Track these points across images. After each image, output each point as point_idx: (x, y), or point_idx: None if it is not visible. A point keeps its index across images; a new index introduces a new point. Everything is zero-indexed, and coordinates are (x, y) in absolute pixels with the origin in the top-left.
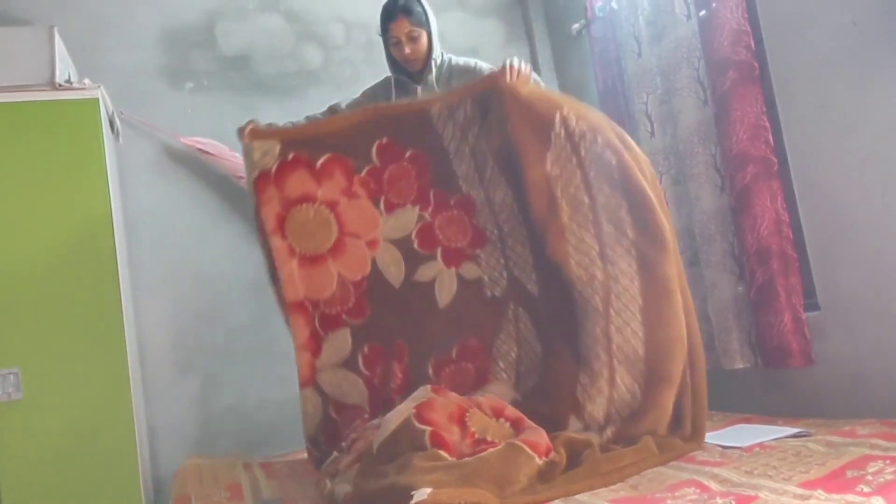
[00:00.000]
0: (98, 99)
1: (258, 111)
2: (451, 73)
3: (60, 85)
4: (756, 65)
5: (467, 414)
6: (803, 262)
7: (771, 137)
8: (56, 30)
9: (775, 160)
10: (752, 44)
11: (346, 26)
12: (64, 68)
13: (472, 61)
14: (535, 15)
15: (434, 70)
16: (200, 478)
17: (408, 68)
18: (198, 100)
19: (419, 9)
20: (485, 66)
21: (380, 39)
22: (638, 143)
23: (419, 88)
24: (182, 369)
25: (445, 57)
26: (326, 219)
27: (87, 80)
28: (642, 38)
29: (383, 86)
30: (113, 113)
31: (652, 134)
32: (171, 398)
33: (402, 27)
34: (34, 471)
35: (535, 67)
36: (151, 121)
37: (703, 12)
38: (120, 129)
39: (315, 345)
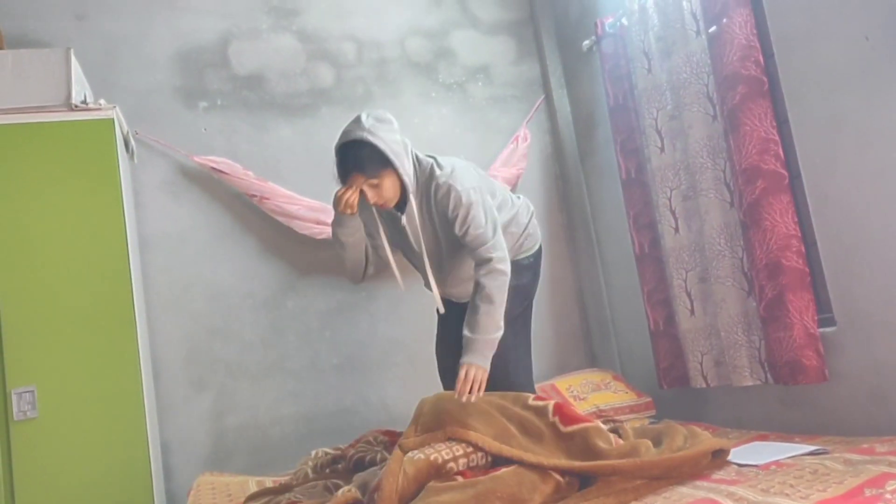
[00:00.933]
0: (113, 119)
1: (271, 129)
2: (436, 195)
3: (76, 106)
4: (765, 80)
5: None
6: (818, 277)
7: (781, 151)
8: (72, 52)
9: (786, 174)
10: (762, 59)
11: (358, 45)
12: (80, 89)
13: (455, 190)
14: (545, 32)
15: (415, 202)
16: (214, 494)
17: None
18: (212, 119)
19: (375, 154)
20: (462, 188)
21: (393, 56)
22: (648, 159)
23: (402, 218)
24: (195, 386)
25: (425, 166)
26: None
27: (102, 101)
28: (652, 54)
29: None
30: (128, 133)
31: (662, 149)
32: (184, 414)
33: (359, 182)
34: (49, 488)
35: (546, 84)
36: (166, 140)
37: (712, 28)
38: (135, 148)
39: None
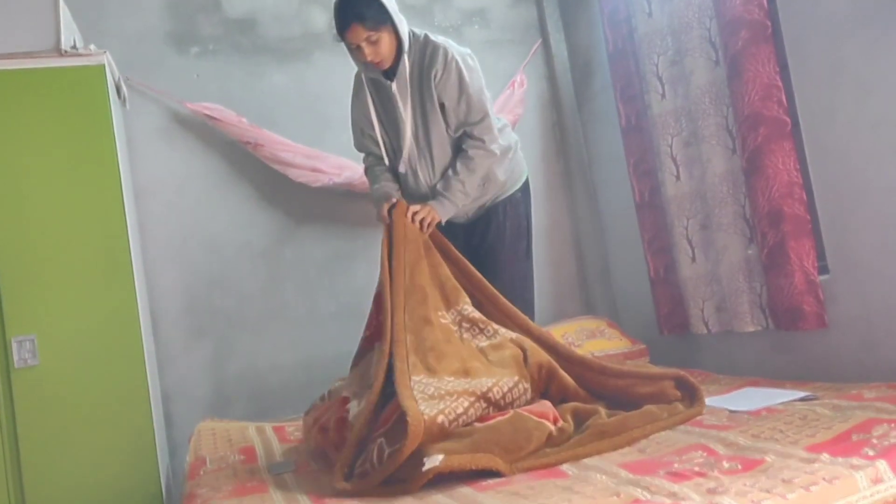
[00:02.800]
0: (104, 65)
1: (264, 75)
2: (426, 56)
3: (66, 51)
4: (769, 24)
5: None
6: (814, 225)
7: (784, 98)
8: None
9: (788, 121)
10: (765, 2)
11: None
12: (69, 34)
13: (445, 48)
14: None
15: (408, 62)
16: (214, 441)
17: (377, 69)
18: (204, 64)
19: (374, 9)
20: (456, 51)
21: None
22: (648, 106)
23: (393, 85)
24: (195, 335)
25: (419, 35)
26: None
27: (92, 46)
28: None
29: (359, 92)
30: (119, 79)
31: (663, 96)
32: (184, 363)
33: (358, 35)
34: (51, 435)
35: (543, 29)
36: (158, 86)
37: None
38: (127, 95)
39: None
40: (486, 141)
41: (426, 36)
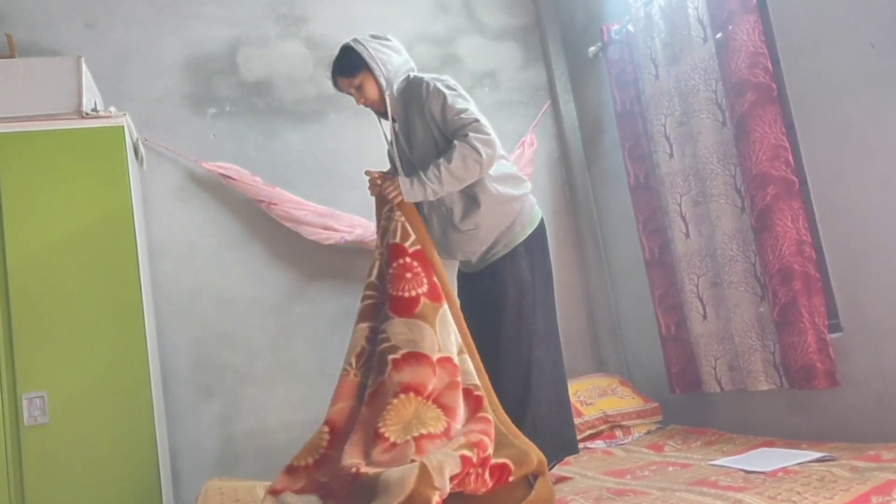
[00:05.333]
0: (123, 126)
1: (279, 135)
2: (412, 92)
3: (87, 113)
4: (774, 86)
5: None
6: (825, 283)
7: (791, 158)
8: (83, 60)
9: (796, 180)
10: (770, 65)
11: None
12: (90, 97)
13: (424, 79)
14: (551, 38)
15: (388, 101)
16: (222, 500)
17: (378, 111)
18: (220, 125)
19: (351, 58)
20: (434, 78)
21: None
22: (657, 165)
23: (396, 125)
24: (204, 392)
25: (410, 77)
26: None
27: (112, 109)
28: (659, 61)
29: (385, 136)
30: (137, 140)
31: (671, 155)
32: (192, 420)
33: (343, 84)
34: (59, 493)
35: (552, 90)
36: (175, 147)
37: (719, 35)
38: (144, 155)
39: None
40: (468, 135)
41: (414, 76)
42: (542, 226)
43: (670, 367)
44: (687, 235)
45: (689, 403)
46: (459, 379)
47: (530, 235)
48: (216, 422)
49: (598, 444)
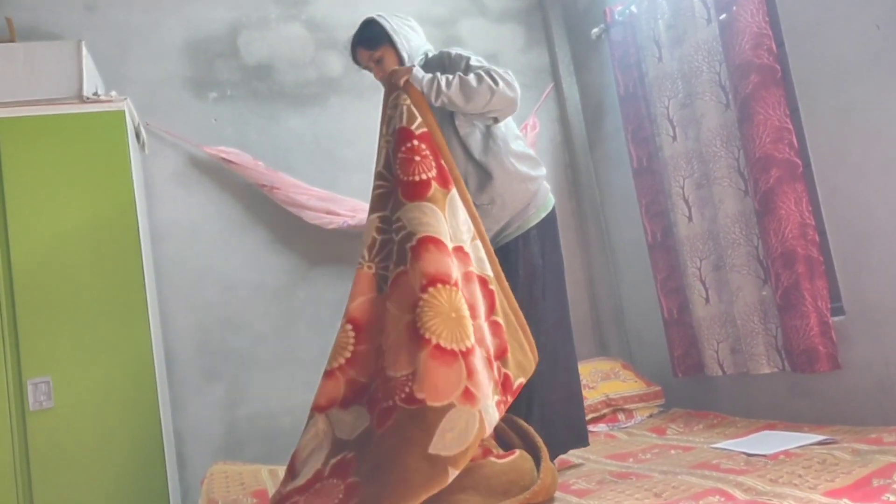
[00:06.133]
0: (124, 111)
1: (280, 119)
2: (436, 64)
3: (88, 98)
4: (778, 68)
5: None
6: (828, 267)
7: (795, 140)
8: (83, 44)
9: (800, 163)
10: (774, 47)
11: None
12: (91, 81)
13: (447, 50)
14: (554, 20)
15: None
16: (227, 483)
17: None
18: (222, 109)
19: (374, 31)
20: (454, 51)
21: None
22: (660, 148)
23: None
24: (207, 376)
25: (425, 54)
26: None
27: (113, 93)
28: (662, 42)
29: None
30: (139, 124)
31: (674, 138)
32: (197, 404)
33: (363, 56)
34: (65, 477)
35: (555, 73)
36: (176, 131)
37: (723, 16)
38: (146, 139)
39: None
40: (491, 70)
41: (433, 54)
42: (554, 213)
43: (673, 351)
44: (690, 218)
45: (691, 387)
46: (472, 269)
47: (543, 220)
48: (220, 406)
49: (601, 427)
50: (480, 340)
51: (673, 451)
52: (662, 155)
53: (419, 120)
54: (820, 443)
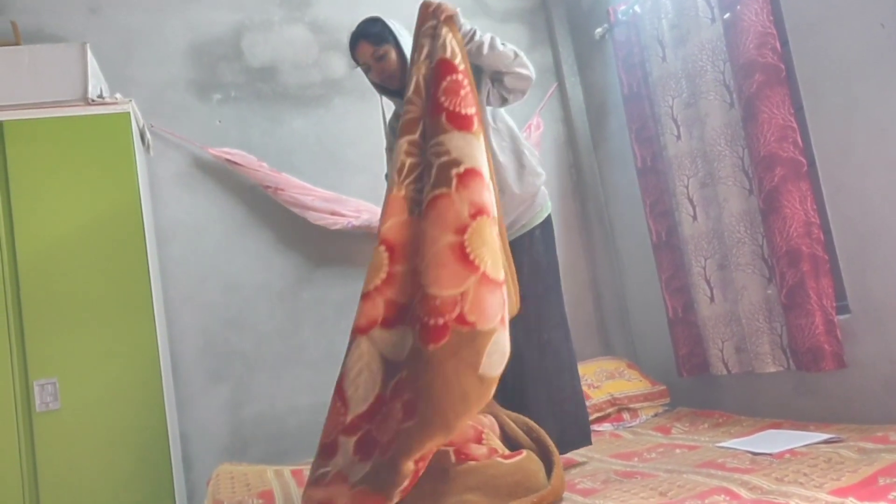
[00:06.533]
0: (129, 113)
1: (284, 120)
2: None
3: (93, 100)
4: (783, 66)
5: (483, 434)
6: (833, 265)
7: (799, 139)
8: (88, 46)
9: (804, 161)
10: (778, 46)
11: None
12: (96, 83)
13: None
14: (557, 20)
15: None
16: (233, 484)
17: (389, 87)
18: (226, 111)
19: (377, 28)
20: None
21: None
22: (664, 147)
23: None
24: (213, 377)
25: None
26: None
27: (118, 95)
28: (666, 42)
29: (383, 115)
30: (144, 126)
31: (679, 137)
32: (202, 405)
33: (365, 51)
34: (71, 478)
35: (559, 73)
36: (181, 133)
37: (727, 15)
38: (150, 141)
39: None
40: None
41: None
42: (551, 217)
43: (678, 350)
44: (694, 218)
45: (696, 386)
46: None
47: (545, 220)
48: (226, 407)
49: (606, 426)
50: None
51: (678, 450)
52: (667, 154)
53: (460, 57)
54: (826, 441)
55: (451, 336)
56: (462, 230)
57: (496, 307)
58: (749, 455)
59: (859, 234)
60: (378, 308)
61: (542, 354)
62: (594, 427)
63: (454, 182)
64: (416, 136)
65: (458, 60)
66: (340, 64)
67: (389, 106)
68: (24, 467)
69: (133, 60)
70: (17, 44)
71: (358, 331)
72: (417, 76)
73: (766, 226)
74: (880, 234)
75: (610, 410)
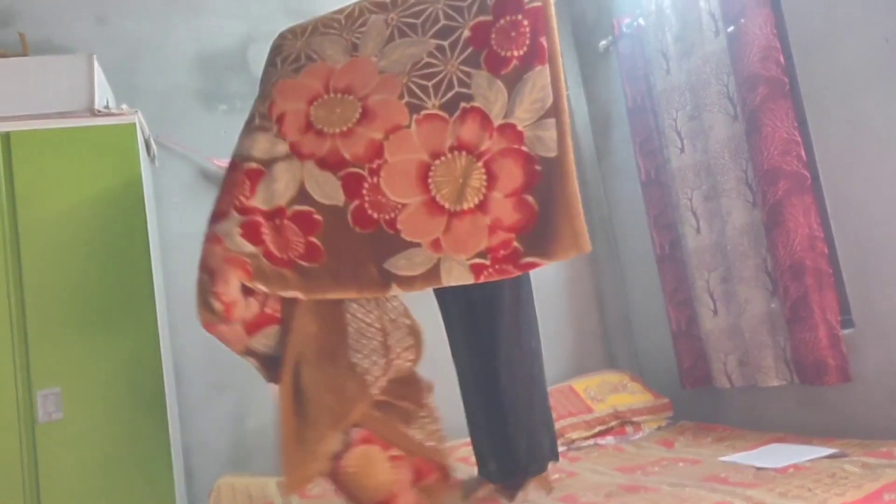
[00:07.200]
0: (135, 124)
1: None
2: None
3: (99, 111)
4: (786, 80)
5: None
6: (837, 279)
7: (803, 152)
8: (95, 57)
9: (808, 175)
10: (782, 59)
11: None
12: (103, 94)
13: None
14: (562, 32)
15: None
16: (234, 496)
17: None
18: (231, 121)
19: None
20: None
21: None
22: (668, 160)
23: None
24: (216, 388)
25: None
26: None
27: (124, 106)
28: (670, 55)
29: None
30: (149, 137)
31: (682, 150)
32: (205, 417)
33: None
34: (73, 489)
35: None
36: (186, 143)
37: (731, 28)
38: (156, 152)
39: None
40: None
41: None
42: None
43: (681, 363)
44: (698, 231)
45: (699, 399)
46: (521, 147)
47: None
48: (229, 418)
49: (609, 440)
50: (484, 207)
51: (681, 464)
52: (670, 167)
53: None
54: (830, 456)
55: (375, 229)
56: (436, 155)
57: (430, 228)
58: (753, 469)
59: (863, 248)
60: (324, 145)
61: (532, 358)
62: (597, 441)
63: (457, 112)
64: (445, 43)
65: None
66: None
67: None
68: (26, 478)
69: (140, 70)
70: (24, 55)
71: (298, 154)
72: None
73: (770, 239)
74: (884, 248)
75: (613, 423)
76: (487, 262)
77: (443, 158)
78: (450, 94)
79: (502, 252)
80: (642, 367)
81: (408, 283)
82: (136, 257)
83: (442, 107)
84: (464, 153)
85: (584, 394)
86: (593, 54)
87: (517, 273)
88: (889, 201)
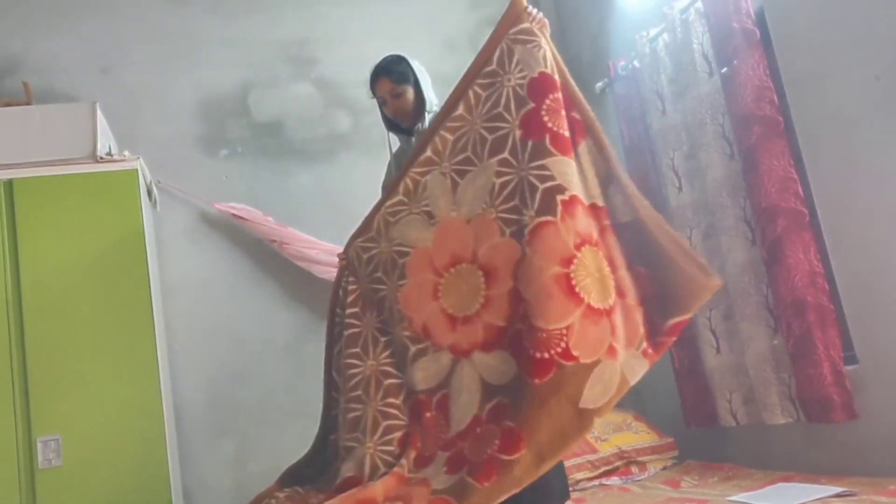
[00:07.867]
0: (137, 169)
1: (290, 175)
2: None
3: (102, 158)
4: (781, 119)
5: None
6: (839, 315)
7: (801, 190)
8: (98, 105)
9: (806, 212)
10: (776, 99)
11: None
12: (105, 141)
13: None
14: None
15: (427, 119)
16: None
17: (401, 124)
18: (232, 166)
19: (401, 67)
20: None
21: None
22: (666, 199)
23: (413, 139)
24: (217, 431)
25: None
26: None
27: (126, 152)
28: (665, 96)
29: (390, 148)
30: (151, 182)
31: (680, 189)
32: (206, 460)
33: (385, 87)
34: None
35: None
36: (188, 188)
37: (724, 69)
38: (157, 197)
39: None
40: None
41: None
42: None
43: (685, 402)
44: None
45: (704, 438)
46: (608, 222)
47: None
48: (230, 462)
49: (614, 480)
50: (621, 292)
51: None
52: (669, 206)
53: (558, 73)
54: (838, 495)
55: (555, 371)
56: (568, 262)
57: (601, 339)
58: None
59: (864, 284)
60: (478, 332)
61: None
62: (603, 481)
63: (559, 209)
64: (505, 155)
65: (557, 75)
66: (346, 119)
67: (395, 141)
68: None
69: (142, 118)
70: (28, 103)
71: (461, 353)
72: (509, 90)
73: (771, 276)
74: (885, 283)
75: (618, 464)
76: (645, 345)
77: (576, 261)
78: (539, 194)
79: (649, 327)
80: (646, 406)
81: (606, 407)
82: (138, 302)
83: (539, 212)
84: (587, 246)
85: (589, 434)
86: (590, 96)
87: (674, 338)
88: (887, 236)
